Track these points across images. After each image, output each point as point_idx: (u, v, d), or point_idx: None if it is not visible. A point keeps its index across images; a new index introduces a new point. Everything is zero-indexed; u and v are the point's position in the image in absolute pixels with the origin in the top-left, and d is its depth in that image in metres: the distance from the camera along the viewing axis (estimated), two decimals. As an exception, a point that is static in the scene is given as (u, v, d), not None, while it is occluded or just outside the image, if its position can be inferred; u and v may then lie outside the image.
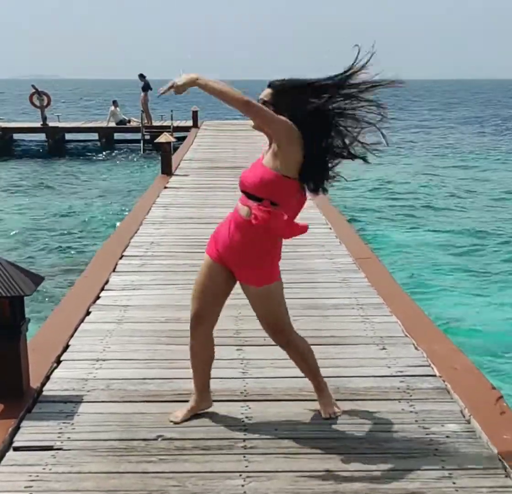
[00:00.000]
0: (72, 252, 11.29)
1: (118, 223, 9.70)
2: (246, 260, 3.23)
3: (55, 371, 4.02)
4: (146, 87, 25.06)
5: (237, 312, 4.98)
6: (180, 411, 3.52)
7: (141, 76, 25.12)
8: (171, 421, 3.45)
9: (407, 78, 3.36)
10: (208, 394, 3.56)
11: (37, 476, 2.93)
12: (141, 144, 24.38)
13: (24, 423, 3.37)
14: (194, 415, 3.48)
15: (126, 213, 10.22)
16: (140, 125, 24.57)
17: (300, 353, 3.47)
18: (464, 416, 3.47)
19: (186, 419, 3.47)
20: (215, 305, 3.40)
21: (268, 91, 3.20)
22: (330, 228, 8.17)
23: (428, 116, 49.59)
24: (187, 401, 3.59)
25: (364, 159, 3.25)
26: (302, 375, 3.71)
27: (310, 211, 9.09)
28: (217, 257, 3.32)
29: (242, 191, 3.25)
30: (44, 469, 2.99)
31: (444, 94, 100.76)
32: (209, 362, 3.51)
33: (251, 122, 3.24)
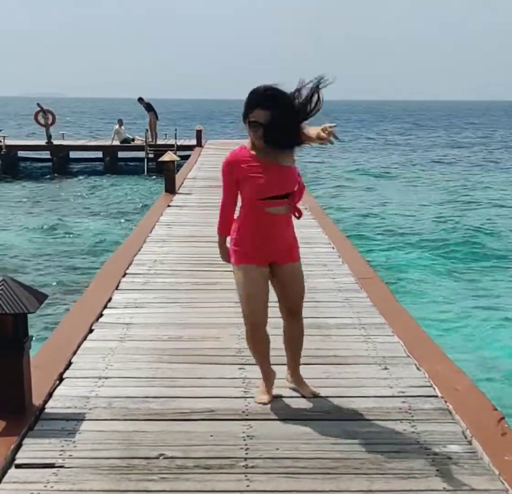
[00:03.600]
0: (76, 270, 11.32)
1: (121, 241, 9.73)
2: (293, 242, 3.78)
3: (58, 388, 4.03)
4: (150, 108, 25.29)
5: (239, 330, 4.98)
6: (261, 393, 3.84)
7: (140, 100, 25.36)
8: (260, 403, 3.77)
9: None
10: (271, 367, 3.89)
11: (39, 493, 2.93)
12: (145, 163, 24.52)
13: (26, 441, 3.37)
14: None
15: (130, 231, 10.26)
16: (144, 144, 24.72)
17: (302, 331, 3.90)
18: (465, 437, 3.47)
19: (271, 398, 3.82)
20: (267, 308, 3.74)
21: (261, 113, 3.42)
22: (333, 248, 8.19)
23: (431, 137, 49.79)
24: (189, 420, 3.60)
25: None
26: (304, 395, 3.75)
27: (313, 230, 9.14)
28: (265, 261, 3.69)
29: (277, 196, 3.59)
30: (45, 486, 2.99)
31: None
32: (269, 348, 3.84)
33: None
